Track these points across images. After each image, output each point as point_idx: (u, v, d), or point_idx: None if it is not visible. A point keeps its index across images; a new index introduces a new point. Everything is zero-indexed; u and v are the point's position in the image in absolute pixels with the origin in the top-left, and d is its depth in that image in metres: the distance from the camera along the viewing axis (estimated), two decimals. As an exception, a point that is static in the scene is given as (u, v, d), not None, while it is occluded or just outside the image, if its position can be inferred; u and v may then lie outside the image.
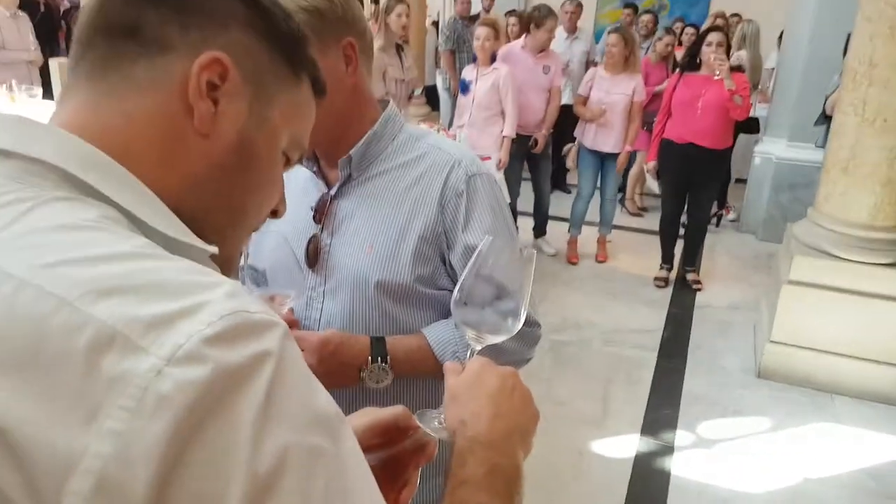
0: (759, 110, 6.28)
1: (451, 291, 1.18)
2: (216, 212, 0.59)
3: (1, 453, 0.39)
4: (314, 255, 1.20)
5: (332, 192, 1.19)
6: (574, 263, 5.04)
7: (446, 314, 1.18)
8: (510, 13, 6.54)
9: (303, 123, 0.65)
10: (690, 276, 4.62)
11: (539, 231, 5.23)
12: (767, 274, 4.33)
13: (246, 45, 0.58)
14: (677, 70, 4.59)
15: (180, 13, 0.56)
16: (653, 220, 5.49)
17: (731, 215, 5.99)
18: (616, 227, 5.55)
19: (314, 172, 1.22)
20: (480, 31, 4.46)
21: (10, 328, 0.41)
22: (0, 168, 0.50)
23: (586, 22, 7.32)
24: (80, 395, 0.39)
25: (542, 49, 4.72)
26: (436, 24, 7.79)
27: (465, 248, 1.14)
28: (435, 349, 1.15)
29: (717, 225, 5.84)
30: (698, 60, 4.25)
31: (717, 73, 4.04)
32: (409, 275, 1.15)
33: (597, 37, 7.87)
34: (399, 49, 4.65)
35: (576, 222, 5.04)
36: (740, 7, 7.02)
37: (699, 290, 4.55)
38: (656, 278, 4.63)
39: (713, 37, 4.19)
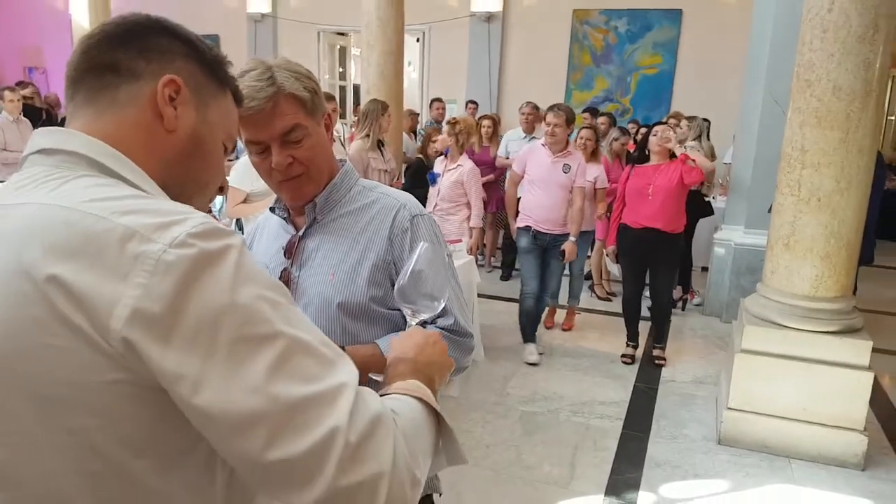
0: (719, 202, 6.72)
1: (400, 311, 1.43)
2: (183, 185, 0.86)
3: (70, 301, 0.65)
4: (284, 286, 1.42)
5: (300, 233, 1.43)
6: (549, 328, 5.43)
7: (396, 329, 1.40)
8: (484, 117, 7.04)
9: (231, 122, 0.94)
10: (656, 353, 4.82)
11: (529, 336, 4.80)
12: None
13: (189, 70, 0.85)
14: (629, 163, 5.00)
15: (142, 52, 0.82)
16: (620, 304, 5.75)
17: (696, 300, 6.24)
18: (585, 310, 5.83)
19: (284, 219, 1.48)
20: (443, 129, 4.94)
21: (68, 234, 0.67)
22: (47, 160, 0.78)
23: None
24: (116, 266, 0.65)
25: (562, 147, 4.62)
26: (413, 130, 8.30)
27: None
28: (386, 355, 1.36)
29: (683, 309, 6.08)
30: (647, 152, 4.68)
31: (668, 143, 4.55)
32: (364, 296, 1.37)
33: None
34: (380, 144, 5.03)
35: (552, 294, 5.35)
36: (698, 110, 7.57)
37: (662, 365, 4.74)
38: (623, 355, 4.81)
39: (658, 128, 4.66)
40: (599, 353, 4.96)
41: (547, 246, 4.71)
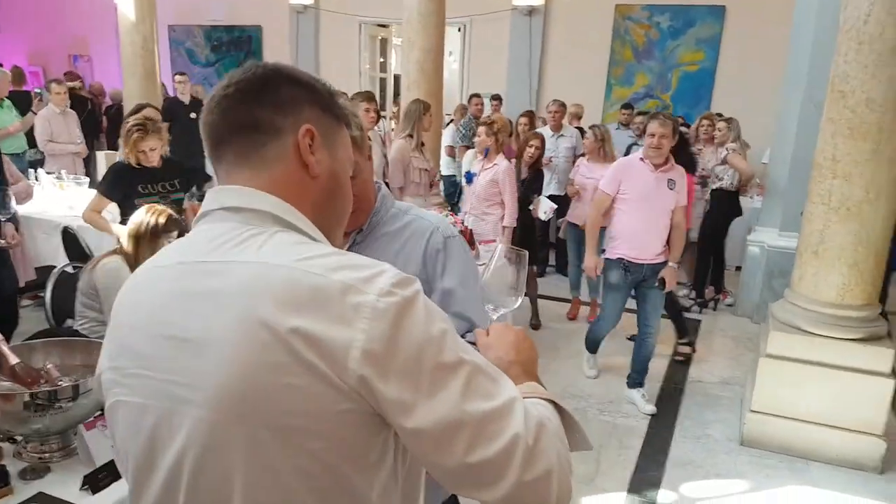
0: (756, 202, 6.73)
1: None
2: (329, 223, 0.98)
3: (310, 347, 0.77)
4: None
5: None
6: (572, 319, 5.72)
7: None
8: (524, 114, 7.07)
9: (350, 152, 1.04)
10: (679, 348, 5.03)
11: (635, 381, 4.27)
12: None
13: (315, 114, 0.95)
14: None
15: (277, 107, 0.92)
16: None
17: (728, 300, 6.28)
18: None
19: None
20: (480, 129, 5.00)
21: (296, 290, 0.79)
22: (236, 216, 0.90)
23: (593, 120, 7.90)
24: (341, 315, 0.78)
25: (665, 160, 4.01)
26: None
27: (442, 292, 1.49)
28: None
29: (715, 308, 6.14)
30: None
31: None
32: None
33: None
34: (421, 145, 5.18)
35: (574, 284, 5.81)
36: (739, 107, 7.55)
37: (681, 360, 4.93)
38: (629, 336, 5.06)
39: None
40: (630, 352, 5.05)
41: (643, 278, 4.10)
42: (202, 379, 0.81)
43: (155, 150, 3.88)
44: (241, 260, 0.84)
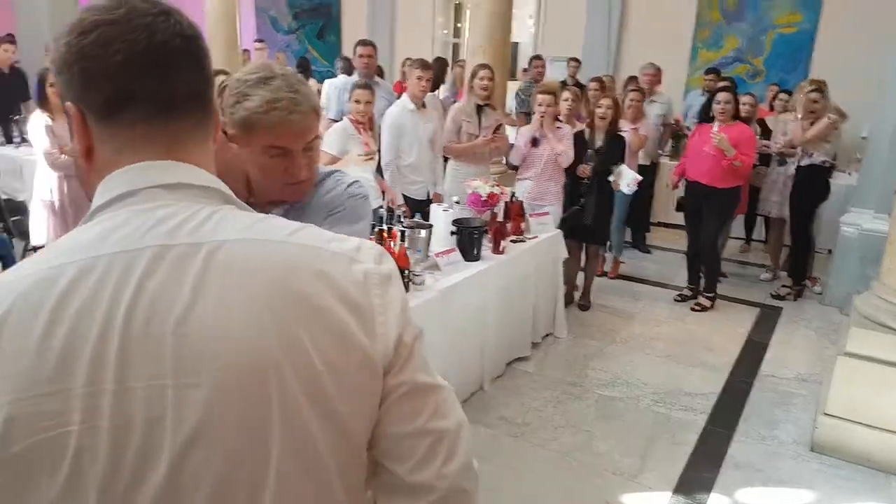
0: (854, 178, 6.13)
1: None
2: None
3: (350, 312, 0.77)
4: None
5: None
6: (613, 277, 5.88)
7: None
8: (592, 80, 6.72)
9: None
10: (699, 299, 5.27)
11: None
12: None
13: None
14: (700, 122, 5.35)
15: (209, 79, 0.84)
16: (724, 288, 5.49)
17: (817, 288, 5.75)
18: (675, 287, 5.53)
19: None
20: (542, 98, 4.72)
21: (287, 266, 0.75)
22: (174, 194, 0.78)
23: (676, 85, 7.39)
24: (356, 282, 0.78)
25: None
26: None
27: None
28: None
29: (799, 296, 5.63)
30: (711, 114, 5.03)
31: (716, 140, 4.81)
32: None
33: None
34: (479, 109, 4.93)
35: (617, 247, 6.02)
36: (841, 75, 6.86)
37: (697, 310, 5.18)
38: (678, 294, 5.45)
39: (720, 96, 4.98)
40: (696, 338, 4.71)
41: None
42: (212, 357, 0.70)
43: None
44: (225, 238, 0.75)
